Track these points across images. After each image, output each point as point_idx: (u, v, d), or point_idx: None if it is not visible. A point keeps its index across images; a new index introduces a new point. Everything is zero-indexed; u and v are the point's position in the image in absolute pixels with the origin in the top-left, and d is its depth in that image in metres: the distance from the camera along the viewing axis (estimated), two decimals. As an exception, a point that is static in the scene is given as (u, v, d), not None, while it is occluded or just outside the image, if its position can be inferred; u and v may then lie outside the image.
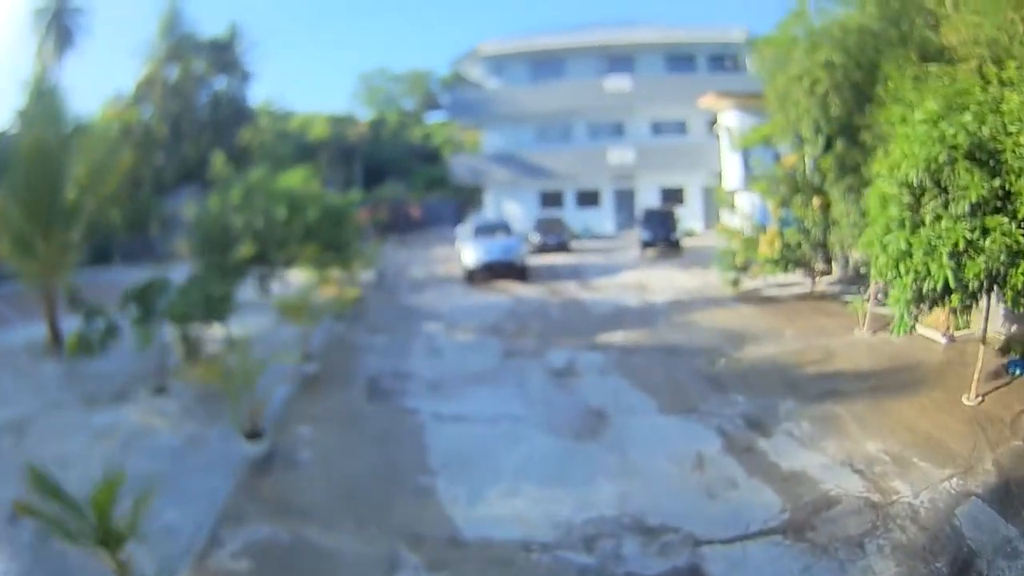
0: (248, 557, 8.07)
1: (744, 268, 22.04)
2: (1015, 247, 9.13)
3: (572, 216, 40.01)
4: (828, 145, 15.95)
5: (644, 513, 8.58)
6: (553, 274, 28.04)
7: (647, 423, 11.66)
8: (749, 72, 37.45)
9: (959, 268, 9.43)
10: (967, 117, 9.59)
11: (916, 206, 10.06)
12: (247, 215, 19.17)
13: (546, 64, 41.10)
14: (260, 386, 10.98)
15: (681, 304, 21.11)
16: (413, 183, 63.40)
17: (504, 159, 41.39)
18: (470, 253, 26.82)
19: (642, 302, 21.70)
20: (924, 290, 9.86)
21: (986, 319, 11.34)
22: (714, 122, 37.72)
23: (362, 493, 9.59)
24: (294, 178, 22.25)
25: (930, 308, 10.51)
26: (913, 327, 10.75)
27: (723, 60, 39.87)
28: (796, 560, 7.54)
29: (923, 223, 9.93)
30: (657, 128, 40.65)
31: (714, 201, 38.99)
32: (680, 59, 40.07)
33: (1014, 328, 13.23)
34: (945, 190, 9.72)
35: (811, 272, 20.54)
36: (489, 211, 43.13)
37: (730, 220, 38.68)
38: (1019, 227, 9.26)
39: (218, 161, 23.77)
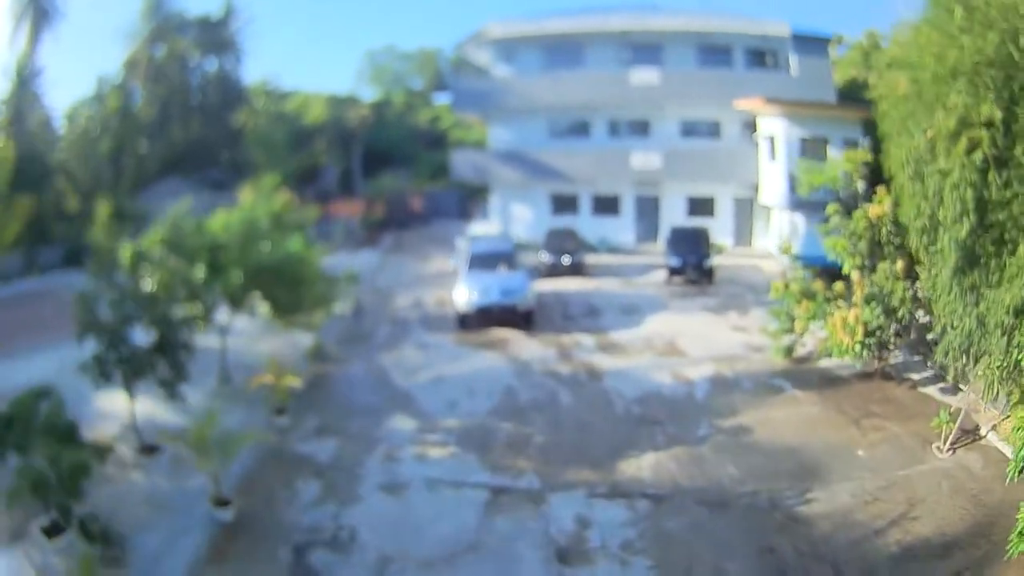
0: None
1: (802, 334, 17.61)
2: None
3: (587, 225, 35.23)
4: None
5: None
6: (564, 315, 23.46)
7: None
8: (792, 73, 32.70)
9: None
10: None
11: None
12: (145, 285, 14.72)
13: (562, 51, 35.97)
14: None
15: (726, 385, 16.71)
16: (418, 170, 58.58)
17: (512, 157, 36.51)
18: (463, 292, 22.19)
19: (676, 380, 17.19)
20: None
21: None
22: (753, 128, 32.87)
23: None
24: (237, 214, 17.77)
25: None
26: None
27: (762, 56, 34.68)
28: None
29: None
30: (687, 130, 35.61)
31: (747, 215, 34.50)
32: (714, 52, 34.82)
33: None
34: None
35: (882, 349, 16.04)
36: (494, 214, 38.43)
37: (766, 239, 34.99)
38: None
39: (101, 213, 18.84)
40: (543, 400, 16.34)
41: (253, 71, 71.28)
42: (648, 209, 35.98)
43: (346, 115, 56.19)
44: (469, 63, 42.84)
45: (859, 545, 10.13)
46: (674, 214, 35.12)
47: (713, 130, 35.26)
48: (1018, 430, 8.75)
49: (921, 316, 15.35)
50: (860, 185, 18.74)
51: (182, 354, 14.60)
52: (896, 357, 16.80)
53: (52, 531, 10.32)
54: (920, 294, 14.80)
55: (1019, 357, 9.92)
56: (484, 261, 24.01)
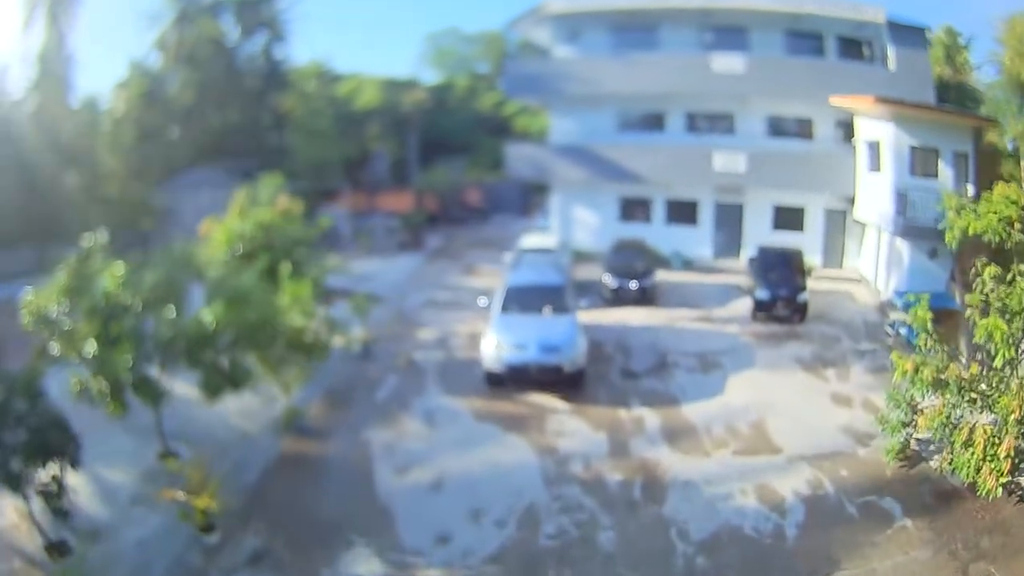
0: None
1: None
2: None
3: (660, 234, 29.76)
4: None
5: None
6: (624, 370, 18.12)
7: None
8: (890, 67, 26.52)
9: None
10: None
11: None
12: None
13: (632, 30, 30.21)
14: None
15: (825, 512, 11.84)
16: (479, 159, 53.51)
17: (574, 152, 30.96)
18: (493, 343, 16.97)
19: (763, 502, 12.03)
20: None
21: None
22: (847, 129, 27.16)
23: None
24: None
25: None
26: None
27: (857, 46, 28.30)
28: None
29: None
30: (775, 128, 29.47)
31: (839, 230, 28.54)
32: (803, 39, 28.76)
33: None
34: None
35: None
36: (554, 217, 33.15)
37: (858, 259, 28.99)
38: None
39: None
40: (574, 539, 11.22)
41: (304, 54, 67.30)
42: (729, 219, 30.15)
43: (401, 99, 51.38)
44: (534, 45, 37.55)
45: None
46: (758, 225, 29.40)
47: (804, 129, 29.11)
48: None
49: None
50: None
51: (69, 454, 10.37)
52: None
53: None
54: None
55: None
56: (523, 299, 18.56)
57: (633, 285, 23.93)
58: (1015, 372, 11.20)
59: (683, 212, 30.79)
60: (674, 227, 30.77)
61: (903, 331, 17.22)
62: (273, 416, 15.38)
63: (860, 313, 22.34)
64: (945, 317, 13.69)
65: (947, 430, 11.28)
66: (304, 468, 13.91)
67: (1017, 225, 15.39)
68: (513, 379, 16.74)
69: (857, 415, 15.25)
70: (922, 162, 22.97)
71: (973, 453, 10.70)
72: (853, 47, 28.61)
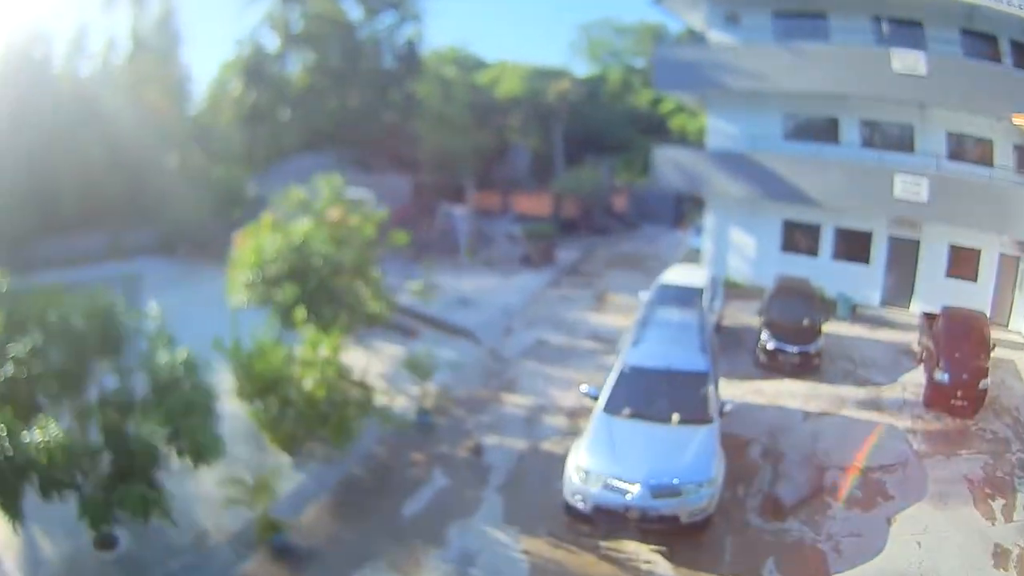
0: None
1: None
2: None
3: (826, 271, 23.43)
4: None
5: None
6: (764, 500, 12.21)
7: None
8: None
9: None
10: None
11: None
12: None
13: (798, 16, 24.03)
14: None
15: None
16: (631, 160, 47.50)
17: (733, 161, 24.58)
18: (583, 466, 11.29)
19: None
20: None
21: None
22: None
23: None
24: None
25: None
26: None
27: None
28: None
29: None
30: (956, 148, 22.28)
31: (1010, 281, 21.10)
32: (977, 39, 21.31)
33: None
34: None
35: None
36: (708, 237, 27.03)
37: None
38: None
39: None
40: None
41: (445, 38, 63.32)
42: (902, 258, 23.32)
43: (546, 89, 46.18)
44: (696, 33, 31.35)
45: None
46: (931, 269, 22.95)
47: (984, 153, 21.76)
48: None
49: None
50: None
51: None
52: None
53: None
54: None
55: None
56: (642, 394, 12.57)
57: (792, 350, 17.80)
58: None
59: (854, 245, 24.18)
60: (841, 264, 24.29)
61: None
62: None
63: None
64: None
65: None
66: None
67: None
68: (605, 523, 11.14)
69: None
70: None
71: None
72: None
